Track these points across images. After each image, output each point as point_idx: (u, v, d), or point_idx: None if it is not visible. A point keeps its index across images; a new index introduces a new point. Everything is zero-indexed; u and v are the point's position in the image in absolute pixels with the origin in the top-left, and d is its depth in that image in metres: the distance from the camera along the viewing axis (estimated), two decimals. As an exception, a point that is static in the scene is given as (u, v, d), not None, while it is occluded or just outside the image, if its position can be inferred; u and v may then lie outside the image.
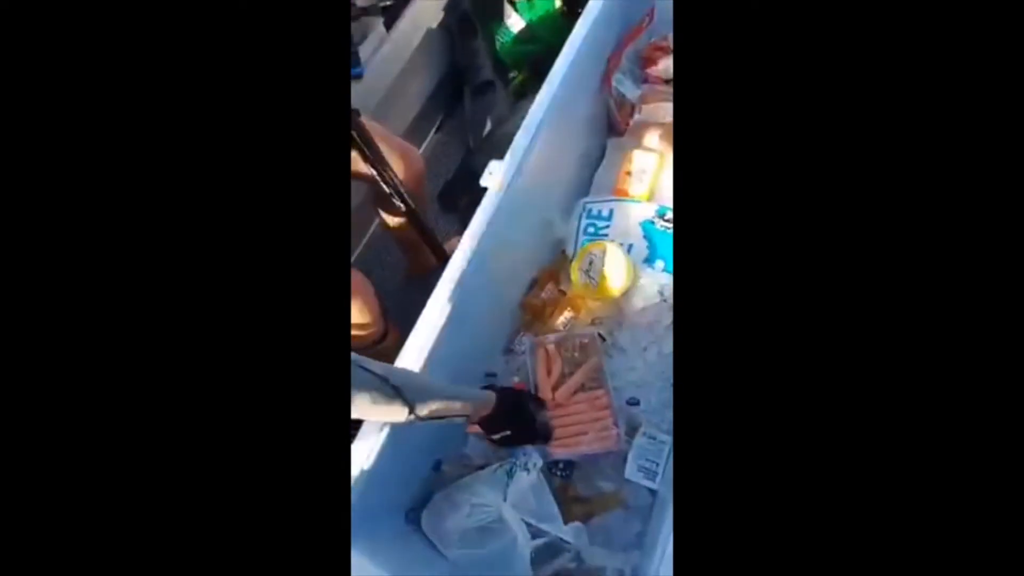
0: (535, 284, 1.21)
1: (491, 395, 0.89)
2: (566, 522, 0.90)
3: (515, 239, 1.10)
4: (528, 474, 0.91)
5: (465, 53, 1.66)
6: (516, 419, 0.91)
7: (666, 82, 1.36)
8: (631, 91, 1.37)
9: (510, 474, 0.95)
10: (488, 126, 1.62)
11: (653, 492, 0.98)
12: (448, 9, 1.66)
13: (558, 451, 0.99)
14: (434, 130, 1.79)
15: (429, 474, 1.02)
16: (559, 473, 1.01)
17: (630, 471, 0.99)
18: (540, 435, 0.96)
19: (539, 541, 0.88)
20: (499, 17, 1.66)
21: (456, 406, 0.81)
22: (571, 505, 0.97)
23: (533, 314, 1.18)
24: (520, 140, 1.04)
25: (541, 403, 1.00)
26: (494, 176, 1.03)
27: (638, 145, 1.28)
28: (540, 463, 0.93)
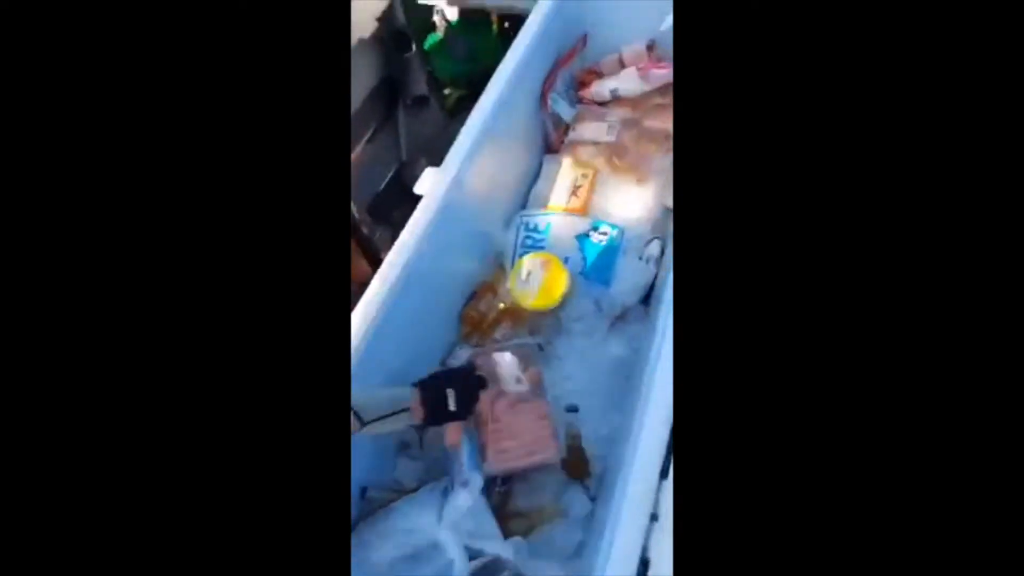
0: (474, 296, 1.18)
1: (414, 390, 0.84)
2: (506, 538, 0.87)
3: (452, 250, 1.08)
4: (466, 492, 0.87)
5: (399, 66, 1.65)
6: (449, 380, 0.87)
7: (598, 104, 1.40)
8: (566, 111, 1.40)
9: (445, 494, 0.90)
10: (422, 142, 1.61)
11: (592, 499, 0.96)
12: (382, 21, 1.65)
13: (497, 466, 0.96)
14: (365, 139, 1.75)
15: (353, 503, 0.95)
16: (498, 488, 0.97)
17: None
18: (478, 385, 0.92)
19: (478, 562, 0.84)
20: (434, 32, 1.66)
21: (398, 411, 0.77)
22: (511, 521, 0.93)
23: (472, 326, 1.15)
24: (457, 149, 1.03)
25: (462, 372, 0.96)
26: (428, 182, 1.01)
27: (572, 161, 1.30)
28: (480, 482, 0.89)
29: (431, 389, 0.84)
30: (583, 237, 1.20)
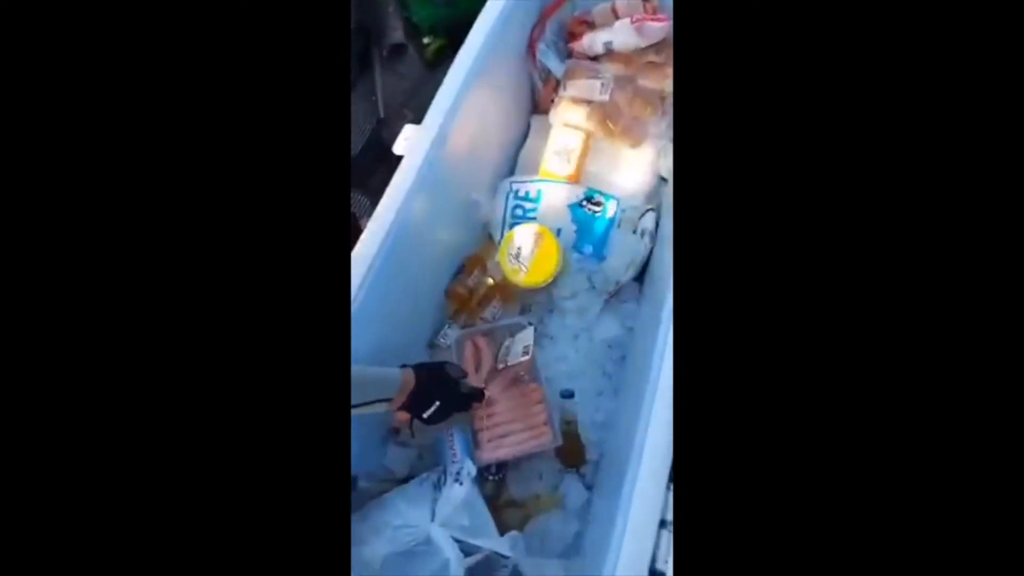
0: (461, 271, 1.12)
1: (409, 372, 0.79)
2: (501, 532, 0.84)
3: (437, 219, 1.00)
4: (460, 486, 0.84)
5: (372, 12, 1.51)
6: (441, 388, 0.82)
7: (591, 58, 1.30)
8: (555, 65, 1.30)
9: (438, 486, 0.87)
10: (401, 97, 1.49)
11: (589, 488, 0.94)
12: (352, -39, 1.50)
13: (491, 453, 0.92)
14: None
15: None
16: (491, 477, 0.94)
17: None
18: (471, 398, 0.89)
19: (473, 559, 0.81)
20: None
21: (378, 390, 0.73)
22: (505, 510, 0.91)
23: (459, 303, 1.09)
24: (439, 104, 0.94)
25: (460, 369, 0.92)
26: (409, 141, 0.93)
27: (563, 123, 1.22)
28: (473, 472, 0.85)
29: (417, 396, 0.79)
30: (576, 207, 1.13)
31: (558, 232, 1.10)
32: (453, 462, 0.88)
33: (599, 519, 0.84)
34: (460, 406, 0.87)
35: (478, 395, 0.90)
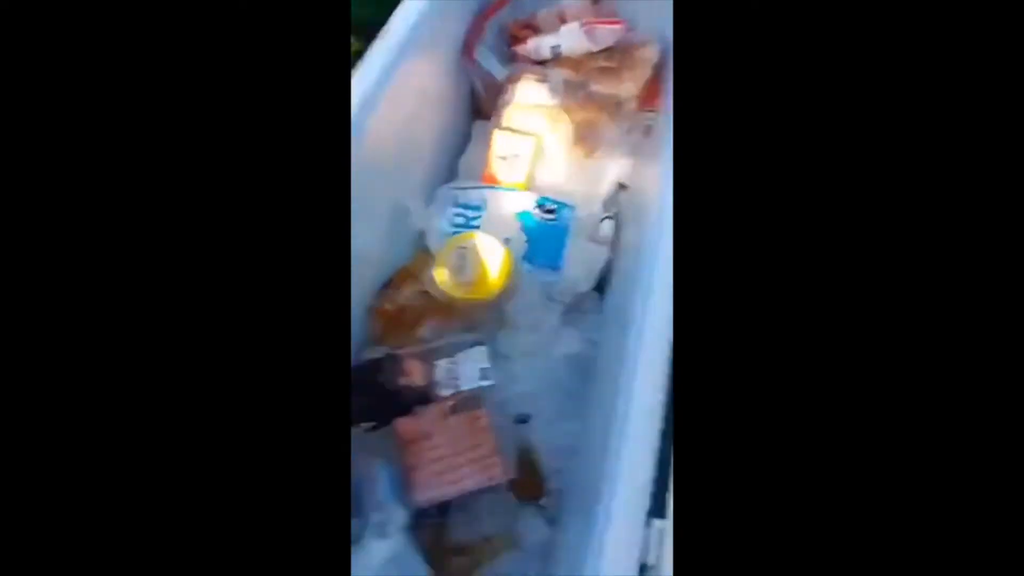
0: (389, 286, 0.98)
1: None
2: (446, 585, 0.69)
3: (356, 228, 0.88)
4: (382, 542, 0.69)
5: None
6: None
7: (537, 63, 1.23)
8: (497, 69, 1.22)
9: (356, 541, 0.71)
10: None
11: (552, 522, 0.81)
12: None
13: (428, 494, 0.78)
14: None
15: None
16: (431, 520, 0.79)
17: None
18: (411, 399, 0.77)
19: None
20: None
21: None
22: (450, 559, 0.77)
23: (388, 322, 0.96)
24: (353, 98, 0.83)
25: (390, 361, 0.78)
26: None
27: (511, 127, 1.13)
28: (403, 520, 0.71)
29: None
30: (526, 215, 1.03)
31: (506, 241, 0.99)
32: (375, 511, 0.74)
33: (566, 561, 0.71)
34: (398, 410, 0.76)
35: (423, 395, 0.76)
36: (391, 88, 0.88)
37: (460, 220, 1.04)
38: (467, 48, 1.20)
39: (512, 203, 1.04)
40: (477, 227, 1.03)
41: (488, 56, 1.22)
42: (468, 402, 0.85)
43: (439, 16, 1.02)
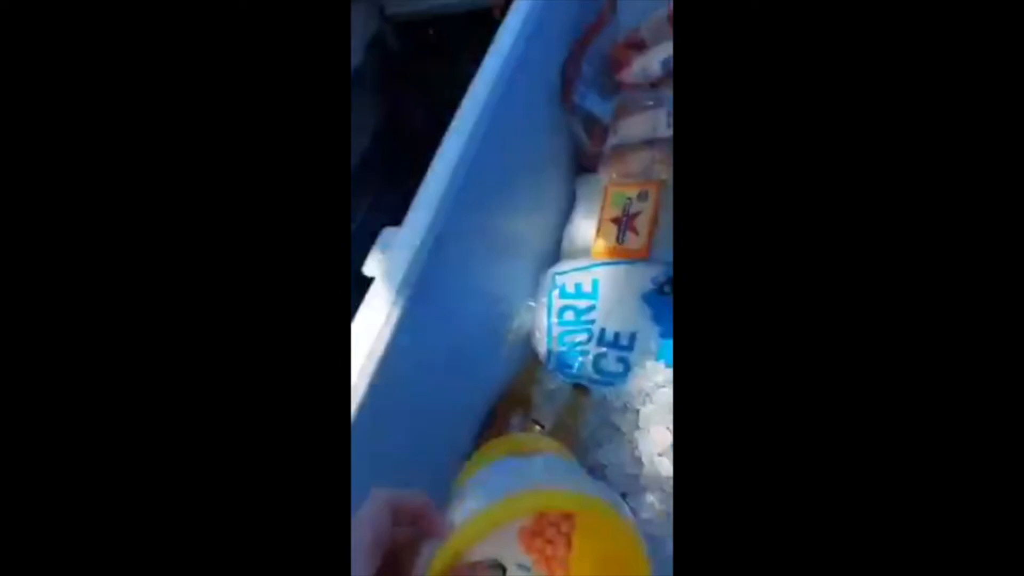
0: (493, 418, 0.76)
1: None
2: None
3: (439, 352, 0.68)
4: None
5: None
6: None
7: (652, 85, 0.96)
8: (600, 107, 0.97)
9: None
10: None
11: None
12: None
13: None
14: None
15: None
16: None
17: None
18: None
19: None
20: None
21: None
22: None
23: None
24: (425, 199, 0.64)
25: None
26: (384, 262, 0.62)
27: (621, 180, 0.87)
28: None
29: None
30: (654, 296, 0.75)
31: (631, 338, 0.73)
32: None
33: None
34: None
35: None
36: (480, 165, 0.69)
37: (569, 315, 0.79)
38: (565, 91, 0.97)
39: (632, 281, 0.77)
40: (592, 320, 0.77)
41: (588, 95, 0.98)
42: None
43: (529, 62, 0.80)
